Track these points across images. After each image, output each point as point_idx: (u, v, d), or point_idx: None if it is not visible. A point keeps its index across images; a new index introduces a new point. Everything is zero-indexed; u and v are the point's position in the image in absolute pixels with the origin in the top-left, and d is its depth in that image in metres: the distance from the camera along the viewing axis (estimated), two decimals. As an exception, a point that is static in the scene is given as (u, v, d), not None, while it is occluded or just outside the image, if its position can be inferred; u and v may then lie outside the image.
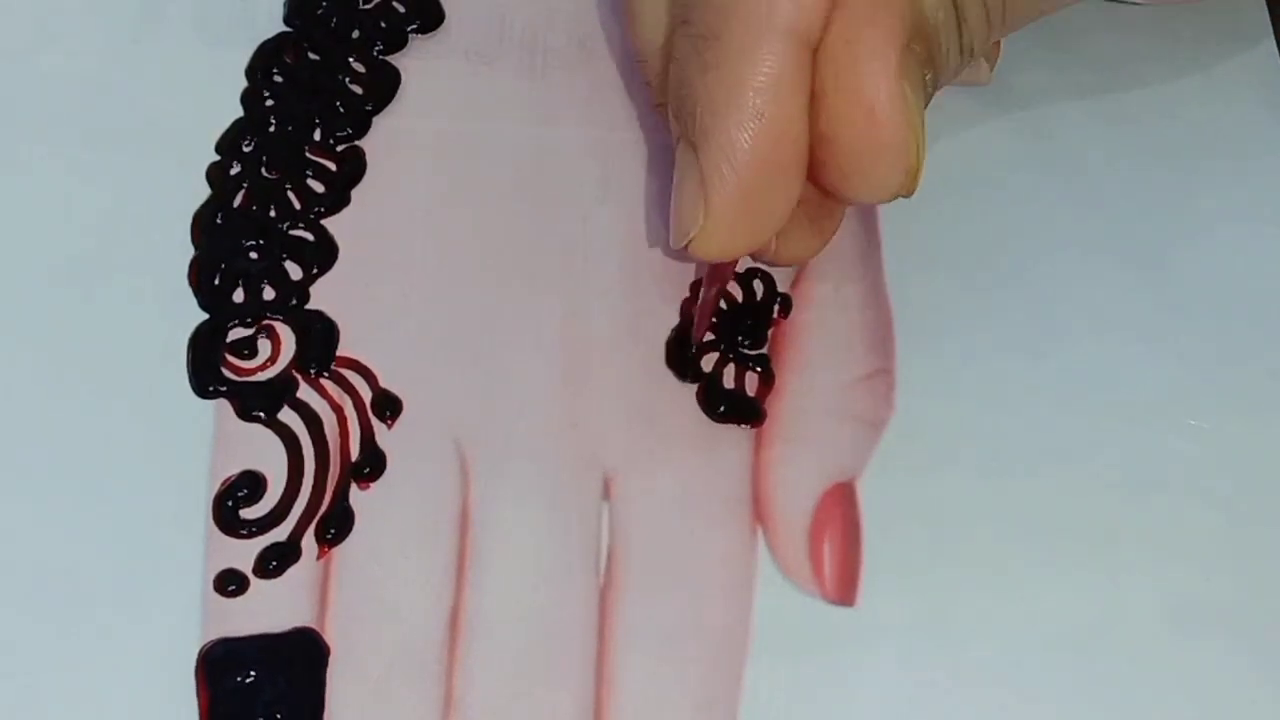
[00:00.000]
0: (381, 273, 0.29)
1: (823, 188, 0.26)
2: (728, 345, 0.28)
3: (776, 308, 0.29)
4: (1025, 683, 0.26)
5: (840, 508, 0.27)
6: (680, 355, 0.28)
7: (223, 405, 0.28)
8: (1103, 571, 0.27)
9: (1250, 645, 0.26)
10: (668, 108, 0.26)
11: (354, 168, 0.30)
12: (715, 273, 0.28)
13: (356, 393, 0.28)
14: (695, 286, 0.29)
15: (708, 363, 0.28)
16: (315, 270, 0.29)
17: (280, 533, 0.26)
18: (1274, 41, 0.33)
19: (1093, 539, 0.27)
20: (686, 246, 0.25)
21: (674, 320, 0.29)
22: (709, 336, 0.29)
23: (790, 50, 0.24)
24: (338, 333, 0.28)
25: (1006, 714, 0.26)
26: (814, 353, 0.29)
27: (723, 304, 0.29)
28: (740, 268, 0.29)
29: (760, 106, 0.24)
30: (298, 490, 0.27)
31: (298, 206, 0.30)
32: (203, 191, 0.30)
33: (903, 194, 0.25)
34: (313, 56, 0.32)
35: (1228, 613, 0.27)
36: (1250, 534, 0.27)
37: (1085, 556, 0.27)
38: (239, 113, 0.31)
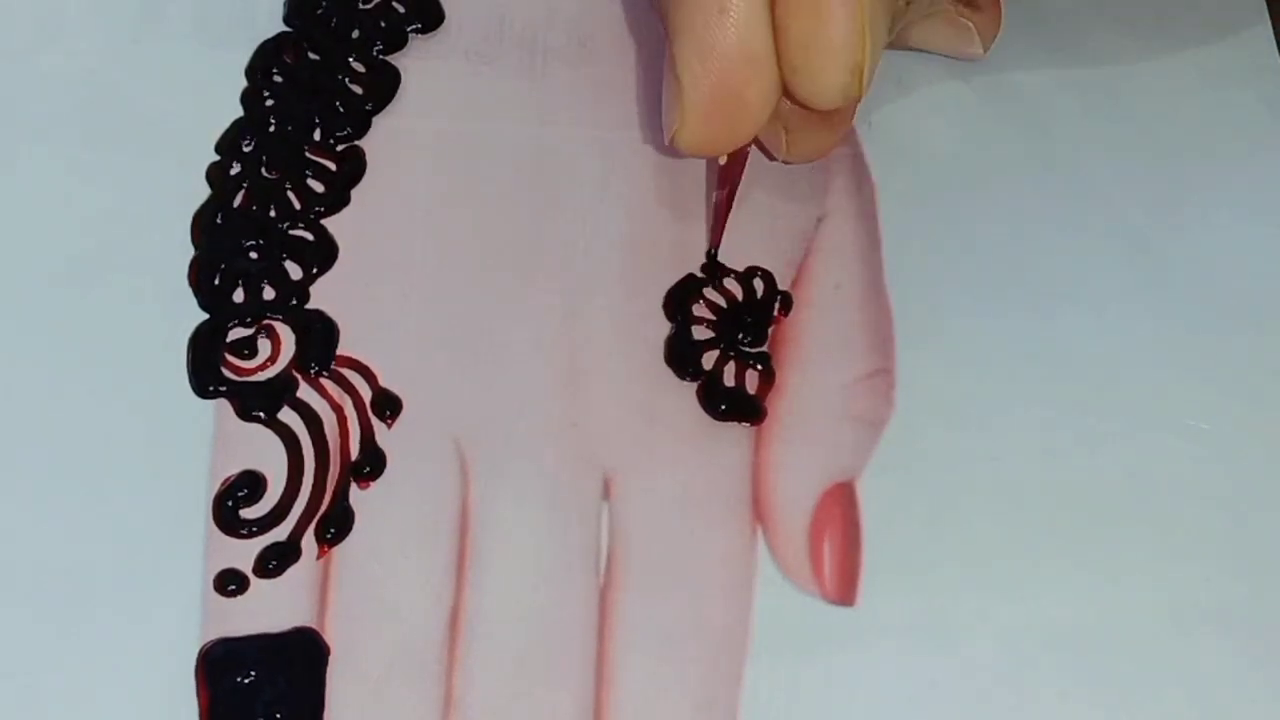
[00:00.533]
0: (381, 272, 0.29)
1: None
2: (728, 343, 0.28)
3: (777, 306, 0.29)
4: (1025, 682, 0.26)
5: (840, 507, 0.27)
6: (680, 354, 0.28)
7: (223, 405, 0.28)
8: (1102, 571, 0.27)
9: (1250, 645, 0.26)
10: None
11: (354, 167, 0.30)
12: (723, 174, 0.28)
13: (356, 392, 0.28)
14: (684, 282, 0.29)
15: (708, 361, 0.28)
16: (315, 270, 0.29)
17: (280, 532, 0.26)
18: (1274, 41, 0.33)
19: (1093, 539, 0.27)
20: (671, 143, 0.27)
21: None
22: (708, 334, 0.29)
23: None
24: (338, 332, 0.28)
25: (1006, 714, 0.26)
26: (814, 351, 0.29)
27: (723, 302, 0.29)
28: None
29: (725, 3, 0.25)
30: (298, 490, 0.27)
31: (298, 206, 0.30)
32: (203, 191, 0.30)
33: (851, 95, 0.26)
34: (313, 56, 0.32)
35: (1228, 613, 0.27)
36: (1250, 534, 0.27)
37: (1085, 556, 0.27)
38: (239, 113, 0.31)
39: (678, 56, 0.26)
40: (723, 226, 0.29)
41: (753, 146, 0.29)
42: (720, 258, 0.29)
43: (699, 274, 0.29)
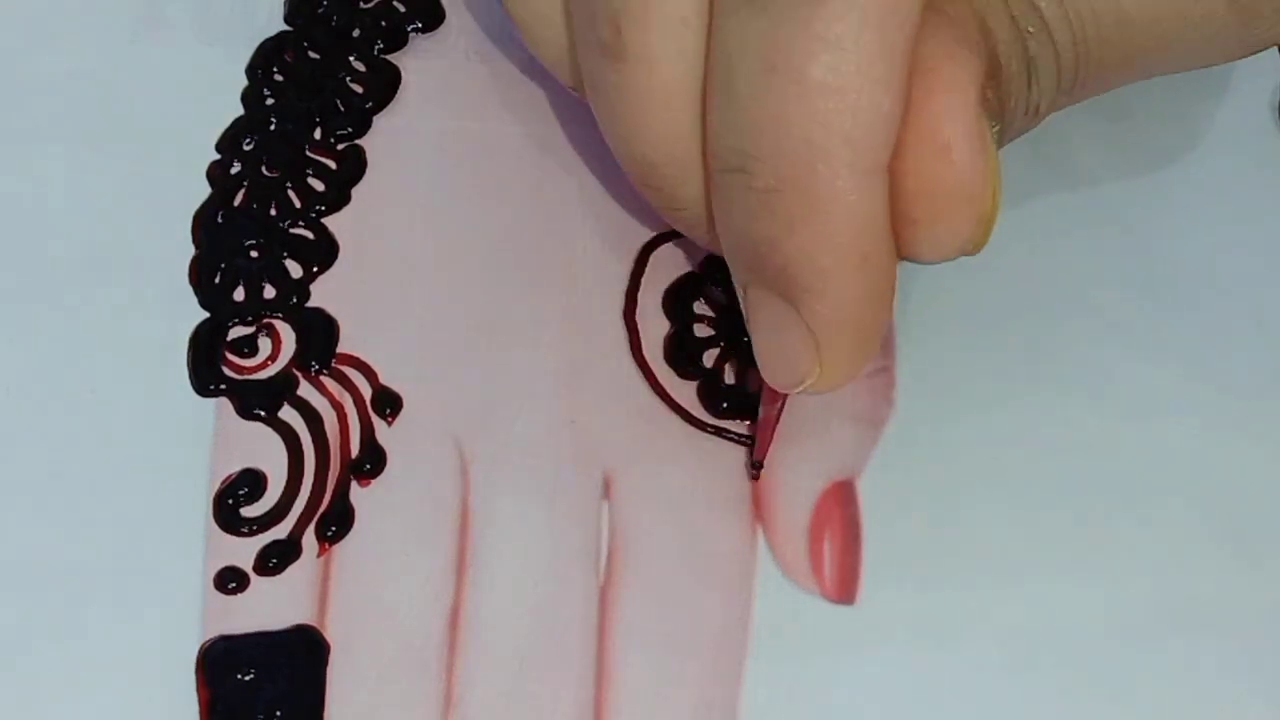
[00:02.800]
0: (382, 271, 0.29)
1: None
2: (729, 342, 0.28)
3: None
4: (1025, 682, 0.26)
5: (840, 506, 0.27)
6: (681, 352, 0.28)
7: (223, 403, 0.28)
8: (1103, 571, 0.27)
9: (1249, 646, 0.26)
10: (717, 244, 0.24)
11: (354, 166, 0.30)
12: (773, 391, 0.26)
13: (357, 390, 0.28)
14: (684, 280, 0.29)
15: (709, 359, 0.28)
16: (315, 269, 0.29)
17: (280, 530, 0.26)
18: (1274, 41, 0.33)
19: (1092, 538, 0.27)
20: (799, 390, 0.24)
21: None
22: (709, 332, 0.29)
23: (879, 183, 0.22)
24: (338, 330, 0.28)
25: (1007, 713, 0.26)
26: (814, 350, 0.29)
27: (724, 300, 0.29)
28: None
29: (865, 250, 0.22)
30: (298, 488, 0.27)
31: (298, 205, 0.30)
32: (203, 190, 0.30)
33: (969, 248, 0.23)
34: (313, 55, 0.32)
35: (1226, 612, 0.27)
36: (1250, 534, 0.27)
37: (1084, 556, 0.27)
38: (239, 111, 0.31)
39: (815, 317, 0.23)
40: (769, 441, 0.27)
41: None
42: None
43: (698, 271, 0.29)
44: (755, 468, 0.27)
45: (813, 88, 0.21)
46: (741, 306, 0.24)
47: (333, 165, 0.30)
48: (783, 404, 0.27)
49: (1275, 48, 0.32)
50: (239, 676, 0.25)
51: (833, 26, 0.21)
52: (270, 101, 0.31)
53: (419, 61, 0.32)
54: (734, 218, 0.23)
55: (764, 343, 0.24)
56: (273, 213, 0.30)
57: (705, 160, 0.24)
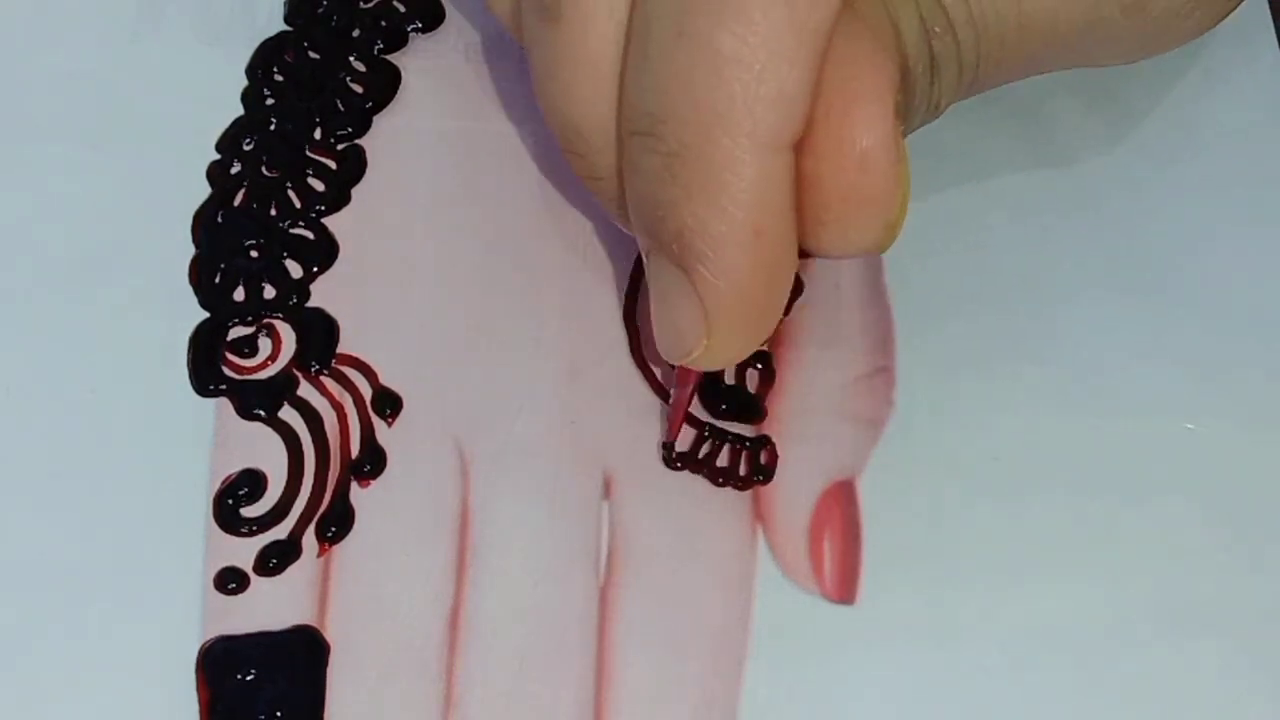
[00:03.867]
0: (382, 271, 0.29)
1: None
2: (728, 342, 0.28)
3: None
4: (1025, 682, 0.26)
5: (840, 506, 0.27)
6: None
7: (223, 403, 0.28)
8: (1102, 572, 0.27)
9: (1249, 646, 0.26)
10: (627, 217, 0.25)
11: (354, 166, 0.30)
12: (684, 373, 0.27)
13: (357, 390, 0.28)
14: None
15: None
16: (315, 269, 0.29)
17: (280, 531, 0.26)
18: (1274, 41, 0.33)
19: (1092, 539, 0.27)
20: (685, 362, 0.24)
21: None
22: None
23: (781, 161, 0.22)
24: (338, 331, 0.28)
25: (1006, 713, 0.26)
26: (814, 350, 0.29)
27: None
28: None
29: (759, 224, 0.22)
30: (298, 488, 0.27)
31: (298, 205, 0.30)
32: (203, 190, 0.30)
33: (875, 250, 0.24)
34: (313, 55, 0.32)
35: (1226, 614, 0.27)
36: (1250, 534, 0.27)
37: (1085, 556, 0.27)
38: (239, 111, 0.31)
39: (704, 284, 0.23)
40: (680, 423, 0.27)
41: None
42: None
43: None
44: (666, 449, 0.27)
45: (719, 56, 0.21)
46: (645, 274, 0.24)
47: (333, 165, 0.30)
48: (694, 387, 0.27)
49: (1275, 51, 0.32)
50: (239, 677, 0.25)
51: None
52: (270, 101, 0.31)
53: (419, 61, 0.32)
54: (639, 181, 0.23)
55: (658, 311, 0.24)
56: (273, 213, 0.30)
57: (618, 123, 0.24)
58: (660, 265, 0.24)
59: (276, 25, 0.32)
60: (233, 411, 0.27)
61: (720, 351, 0.24)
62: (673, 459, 0.27)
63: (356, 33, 0.32)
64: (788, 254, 0.23)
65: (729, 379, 0.28)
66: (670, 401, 0.28)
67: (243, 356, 0.28)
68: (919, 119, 0.25)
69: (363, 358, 0.28)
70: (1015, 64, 0.26)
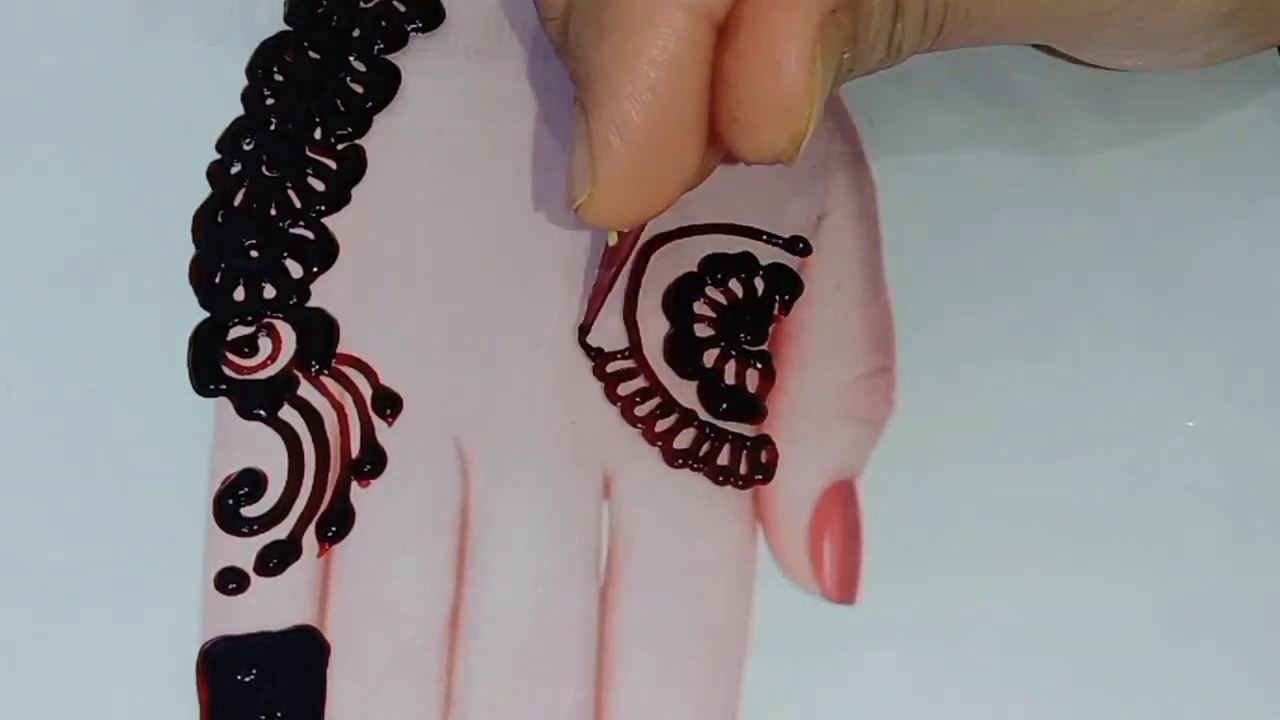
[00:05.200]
0: (382, 271, 0.29)
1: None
2: (729, 342, 0.28)
3: (777, 305, 0.29)
4: (1025, 681, 0.26)
5: (840, 506, 0.27)
6: (681, 352, 0.28)
7: (223, 403, 0.28)
8: (1102, 571, 0.27)
9: (1249, 646, 0.26)
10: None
11: (354, 166, 0.30)
12: (611, 254, 0.28)
13: (357, 390, 0.28)
14: (684, 280, 0.29)
15: (709, 359, 0.28)
16: (316, 268, 0.29)
17: (281, 531, 0.26)
18: (1274, 41, 0.33)
19: (1093, 538, 0.27)
20: (575, 210, 0.25)
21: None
22: (709, 332, 0.29)
23: (691, 24, 0.23)
24: (338, 330, 0.28)
25: (1006, 713, 0.26)
26: (815, 350, 0.29)
27: (724, 300, 0.29)
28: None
29: (655, 80, 0.23)
30: (298, 488, 0.27)
31: (298, 205, 0.30)
32: (203, 190, 0.30)
33: (782, 159, 0.24)
34: (313, 55, 0.32)
35: (1227, 613, 0.27)
36: (1249, 535, 0.27)
37: (1085, 556, 0.27)
38: (239, 111, 0.31)
39: (594, 129, 0.24)
40: (600, 306, 0.28)
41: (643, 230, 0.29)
42: (717, 253, 0.29)
43: (698, 271, 0.29)
44: (582, 332, 0.28)
45: None
46: None
47: (333, 165, 0.30)
48: (616, 270, 0.28)
49: (1275, 50, 0.32)
50: (239, 677, 0.25)
51: None
52: (270, 101, 0.31)
53: (419, 61, 0.32)
54: (574, 21, 0.25)
55: (570, 155, 0.25)
56: (273, 212, 0.30)
57: None
58: (577, 112, 0.25)
59: (276, 25, 0.32)
60: (233, 411, 0.28)
61: (603, 205, 0.25)
62: (584, 343, 0.28)
63: (356, 33, 0.32)
64: (684, 129, 0.24)
65: (729, 379, 0.28)
66: (594, 284, 0.28)
67: (243, 356, 0.28)
68: (876, 57, 0.26)
69: (363, 357, 0.28)
70: (986, 23, 0.26)
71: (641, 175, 0.24)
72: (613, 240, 0.28)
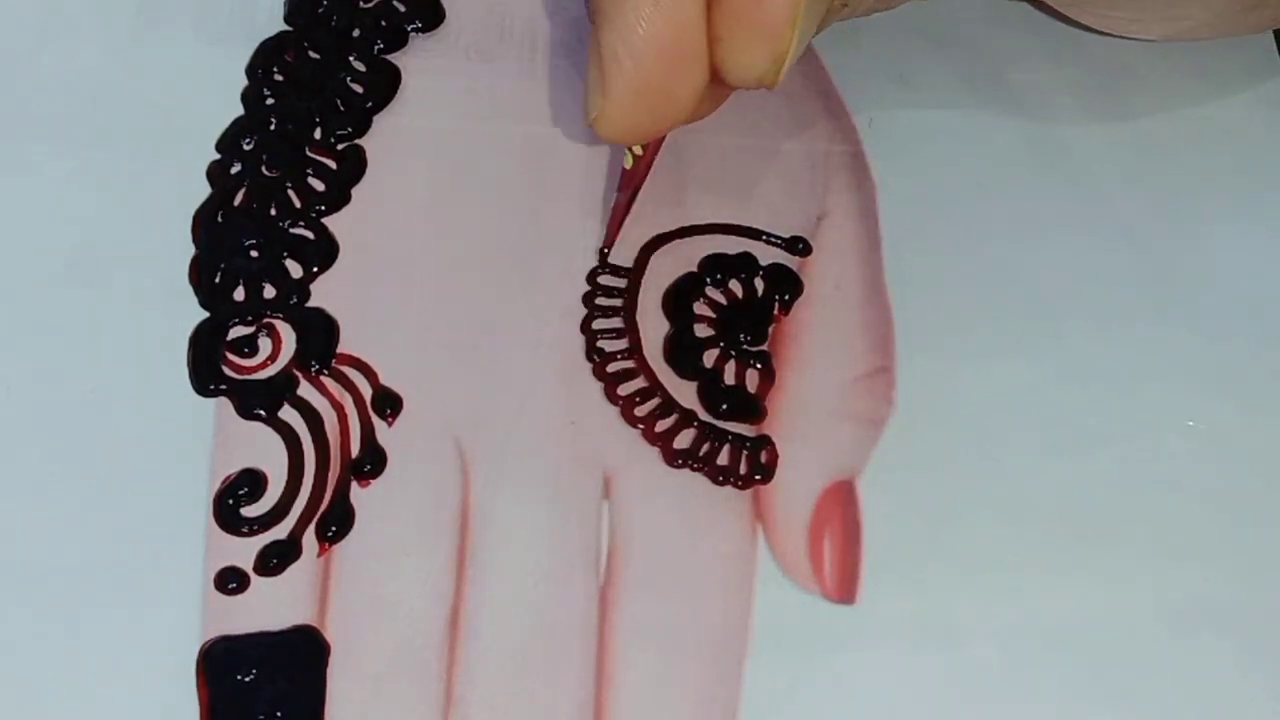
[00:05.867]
0: (382, 271, 0.29)
1: None
2: (728, 342, 0.28)
3: (777, 305, 0.29)
4: (1025, 681, 0.26)
5: (840, 506, 0.27)
6: (680, 352, 0.28)
7: (223, 403, 0.28)
8: (1102, 570, 0.27)
9: (1249, 645, 0.26)
10: None
11: (354, 166, 0.30)
12: (628, 176, 0.28)
13: (357, 390, 0.28)
14: (684, 280, 0.29)
15: (709, 359, 0.28)
16: (316, 268, 0.29)
17: (281, 530, 0.26)
18: (1274, 41, 0.33)
19: (1092, 538, 0.27)
20: (591, 126, 0.26)
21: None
22: (709, 332, 0.29)
23: None
24: (338, 330, 0.28)
25: (1006, 713, 0.26)
26: (814, 350, 0.29)
27: (724, 300, 0.29)
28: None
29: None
30: (298, 488, 0.27)
31: (298, 205, 0.30)
32: (203, 190, 0.30)
33: (765, 83, 0.25)
34: (313, 55, 0.32)
35: (1226, 612, 0.27)
36: (1249, 534, 0.27)
37: (1085, 555, 0.27)
38: (239, 111, 0.31)
39: (603, 43, 0.25)
40: (619, 227, 0.29)
41: (660, 151, 0.29)
42: (717, 253, 0.30)
43: (698, 271, 0.29)
44: (602, 254, 0.29)
45: None
46: None
47: (333, 165, 0.30)
48: (633, 192, 0.29)
49: (1275, 51, 0.32)
50: (239, 677, 0.25)
51: None
52: (270, 101, 0.31)
53: (419, 61, 0.32)
54: None
55: (586, 74, 0.26)
56: (273, 212, 0.30)
57: None
58: (592, 31, 0.26)
59: (276, 25, 0.32)
60: (233, 411, 0.27)
61: (615, 119, 0.26)
62: (605, 263, 0.29)
63: (356, 32, 0.32)
64: (687, 45, 0.25)
65: (729, 379, 0.28)
66: (613, 205, 0.29)
67: (243, 356, 0.28)
68: None
69: (363, 357, 0.28)
70: None
71: (649, 89, 0.25)
72: (628, 163, 0.28)
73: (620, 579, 0.26)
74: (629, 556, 0.27)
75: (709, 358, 0.28)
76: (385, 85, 0.31)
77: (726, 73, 0.25)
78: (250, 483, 0.27)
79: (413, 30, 0.32)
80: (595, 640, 0.26)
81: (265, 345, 0.28)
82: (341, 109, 0.31)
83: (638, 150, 0.28)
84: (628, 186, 0.29)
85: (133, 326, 0.28)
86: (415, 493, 0.27)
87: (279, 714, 0.25)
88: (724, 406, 0.28)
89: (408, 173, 0.30)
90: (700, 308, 0.29)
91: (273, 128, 0.31)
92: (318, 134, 0.31)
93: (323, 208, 0.30)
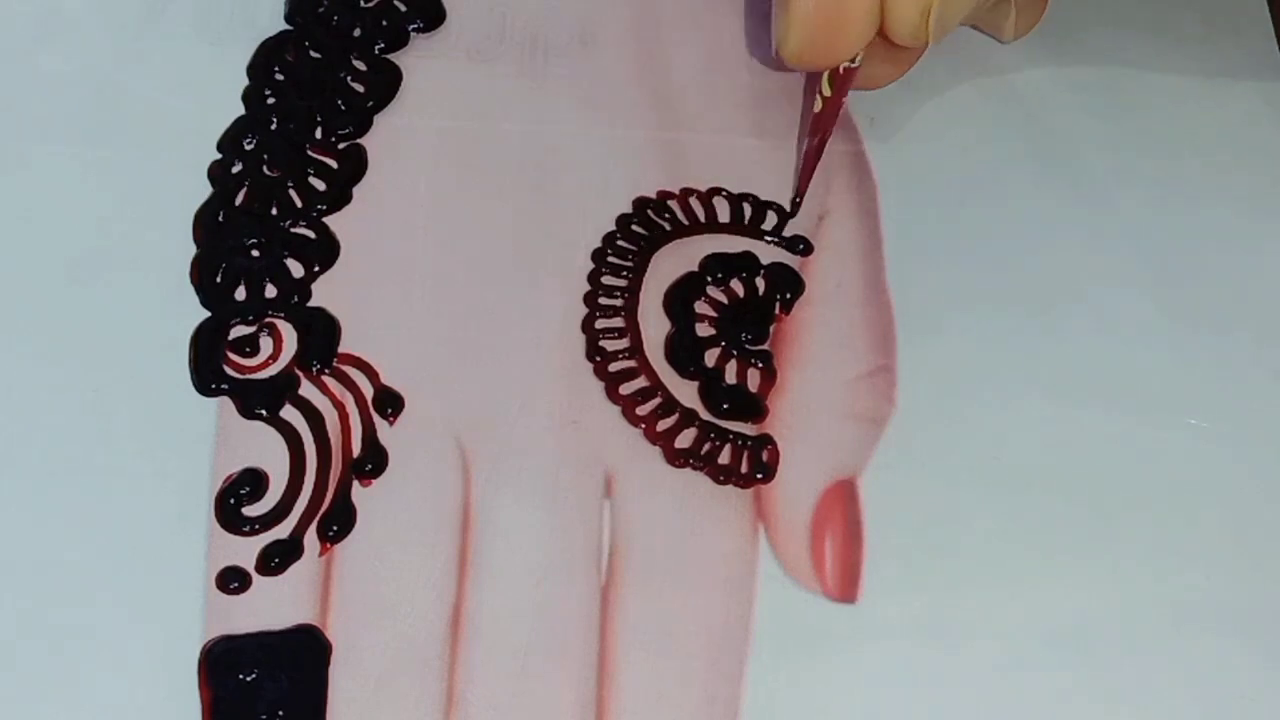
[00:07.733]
0: (383, 270, 0.29)
1: None
2: (730, 341, 0.29)
3: (778, 304, 0.29)
4: (1026, 680, 0.26)
5: (841, 505, 0.27)
6: (682, 351, 0.28)
7: (225, 403, 0.28)
8: (1103, 569, 0.27)
9: (1250, 643, 0.26)
10: None
11: (355, 165, 0.30)
12: (816, 121, 0.29)
13: (358, 389, 0.28)
14: (684, 280, 0.29)
15: (710, 358, 0.28)
16: (317, 268, 0.29)
17: (282, 530, 0.26)
18: (1274, 41, 0.33)
19: (1093, 537, 0.27)
20: (776, 53, 0.28)
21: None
22: (709, 332, 0.29)
23: None
24: (339, 330, 0.28)
25: (1007, 712, 0.26)
26: (816, 349, 0.29)
27: (725, 299, 0.29)
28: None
29: None
30: (300, 487, 0.27)
31: (299, 204, 0.30)
32: (204, 190, 0.30)
33: (918, 36, 0.28)
34: (314, 55, 0.32)
35: (1227, 611, 0.27)
36: (1249, 533, 0.27)
37: (1085, 554, 0.27)
38: (240, 111, 0.31)
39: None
40: (810, 174, 0.30)
41: (845, 101, 0.30)
42: (718, 252, 0.30)
43: (698, 271, 0.29)
44: (793, 204, 0.30)
45: None
46: None
47: (334, 164, 0.30)
48: (823, 138, 0.30)
49: (1275, 50, 0.33)
50: (241, 676, 0.25)
51: None
52: (271, 101, 0.31)
53: (419, 61, 0.32)
54: None
55: (774, 7, 0.29)
56: (274, 212, 0.30)
57: None
58: None
59: (278, 25, 0.32)
60: (234, 411, 0.28)
61: (793, 41, 0.28)
62: (796, 205, 0.30)
63: (357, 32, 0.32)
64: None
65: (730, 378, 0.28)
66: (804, 151, 0.30)
67: (244, 356, 0.28)
68: None
69: (364, 357, 0.28)
70: None
71: (831, 12, 0.27)
72: (817, 106, 0.29)
73: (621, 578, 0.26)
74: (630, 556, 0.27)
75: (710, 357, 0.28)
76: (386, 85, 0.31)
77: (887, 25, 0.28)
78: (252, 482, 0.27)
79: (414, 30, 0.32)
80: (597, 639, 0.26)
81: (267, 345, 0.28)
82: (342, 108, 0.31)
83: (826, 92, 0.29)
84: (815, 131, 0.30)
85: (134, 326, 0.28)
86: (417, 492, 0.27)
87: (281, 713, 0.25)
88: (725, 406, 0.28)
89: (409, 172, 0.30)
90: (701, 307, 0.29)
91: (274, 127, 0.31)
92: (319, 133, 0.31)
93: (324, 207, 0.30)
